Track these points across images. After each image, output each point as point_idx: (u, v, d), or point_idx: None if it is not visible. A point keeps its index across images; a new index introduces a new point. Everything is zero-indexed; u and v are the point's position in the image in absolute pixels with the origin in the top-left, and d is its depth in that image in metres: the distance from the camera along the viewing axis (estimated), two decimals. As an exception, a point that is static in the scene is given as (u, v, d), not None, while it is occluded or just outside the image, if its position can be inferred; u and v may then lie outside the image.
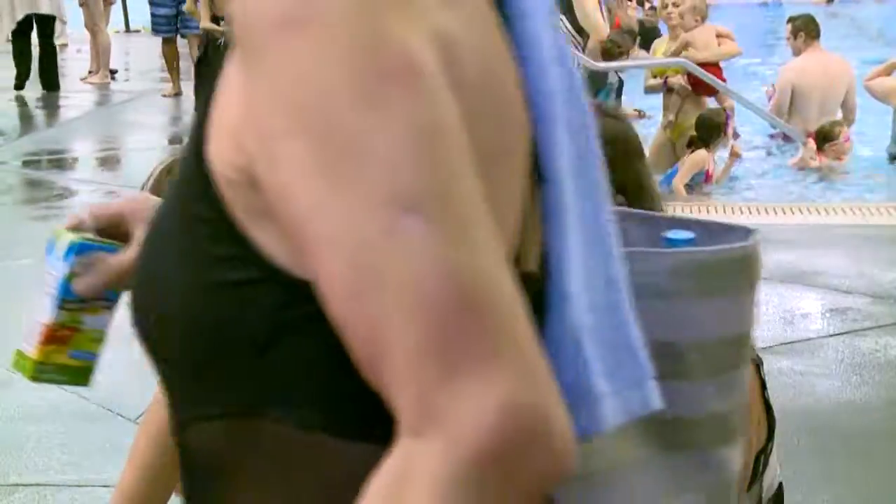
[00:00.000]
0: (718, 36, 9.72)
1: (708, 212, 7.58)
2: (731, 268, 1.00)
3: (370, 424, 0.77)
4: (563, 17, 8.67)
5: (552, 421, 0.74)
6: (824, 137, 8.95)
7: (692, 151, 8.55)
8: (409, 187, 0.72)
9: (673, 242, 1.03)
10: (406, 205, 0.72)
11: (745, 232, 1.04)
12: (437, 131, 0.74)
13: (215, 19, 7.34)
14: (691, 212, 7.39)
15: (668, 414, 0.93)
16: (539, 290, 0.84)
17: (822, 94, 9.50)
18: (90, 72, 14.81)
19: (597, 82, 9.26)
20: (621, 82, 9.62)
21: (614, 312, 0.87)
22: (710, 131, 8.50)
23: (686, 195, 8.26)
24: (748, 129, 9.80)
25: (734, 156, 8.93)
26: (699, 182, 8.56)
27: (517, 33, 0.85)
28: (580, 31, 8.73)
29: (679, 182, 8.34)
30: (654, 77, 9.64)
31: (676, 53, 9.45)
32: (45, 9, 13.72)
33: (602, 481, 0.93)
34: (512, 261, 0.80)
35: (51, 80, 13.90)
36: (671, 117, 9.26)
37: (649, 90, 9.77)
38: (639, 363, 0.87)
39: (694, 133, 8.76)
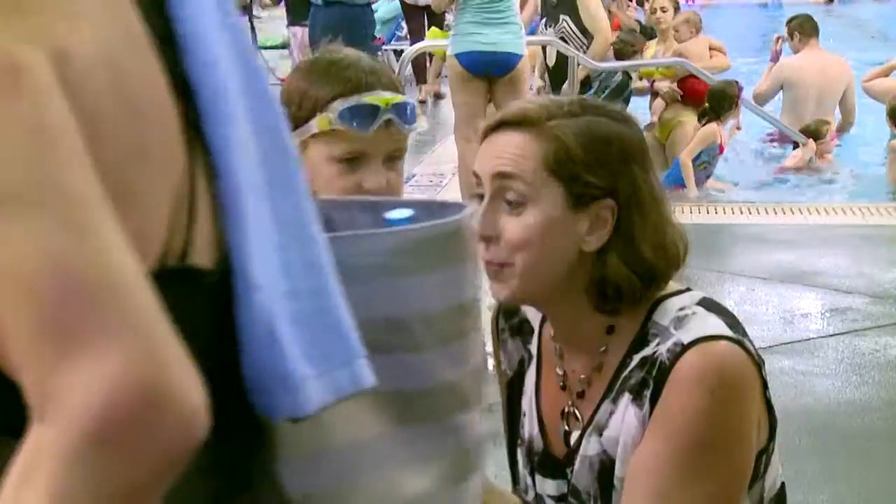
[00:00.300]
0: (711, 49, 9.77)
1: (708, 212, 7.59)
2: (446, 241, 1.04)
3: (14, 417, 0.80)
4: (567, 18, 8.68)
5: (174, 394, 0.77)
6: (810, 136, 8.97)
7: (704, 125, 8.53)
8: (11, 182, 0.76)
9: (392, 222, 1.08)
10: (10, 199, 0.75)
11: (460, 207, 1.09)
12: (41, 129, 0.77)
13: None
14: (692, 212, 7.39)
15: (401, 387, 0.98)
16: (218, 281, 0.87)
17: (819, 93, 9.51)
18: None
19: (603, 83, 9.25)
20: (627, 84, 9.58)
21: (318, 297, 0.90)
22: (721, 102, 8.46)
23: (696, 189, 8.23)
24: (745, 129, 9.81)
25: (734, 129, 8.95)
26: (713, 155, 8.54)
27: (180, 37, 0.87)
28: (584, 31, 8.75)
29: (687, 157, 8.30)
30: (641, 79, 9.65)
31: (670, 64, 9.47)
32: None
33: (334, 458, 0.97)
34: (162, 255, 0.84)
35: None
36: (654, 119, 9.26)
37: (635, 93, 9.76)
38: (347, 344, 0.90)
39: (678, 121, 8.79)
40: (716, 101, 8.47)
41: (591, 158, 1.71)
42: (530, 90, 7.88)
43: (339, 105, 1.89)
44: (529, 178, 1.71)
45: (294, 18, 14.65)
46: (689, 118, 9.07)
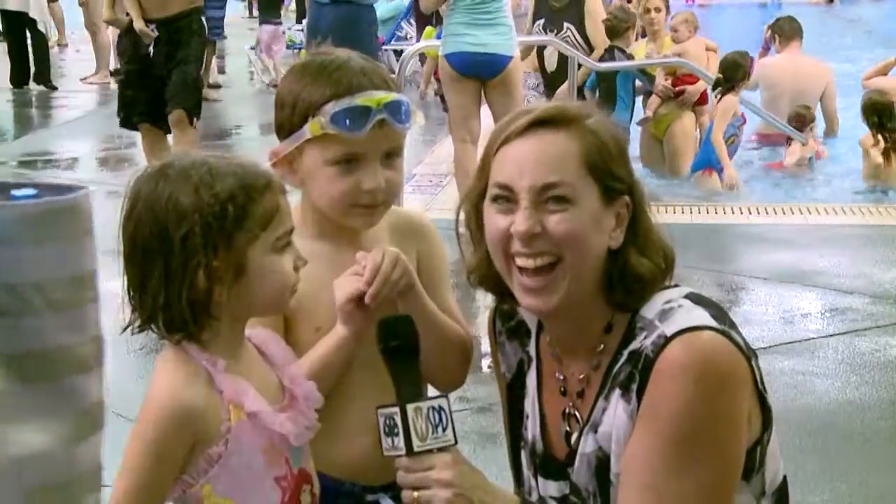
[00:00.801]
0: (707, 49, 9.79)
1: (708, 212, 7.58)
2: (60, 217, 1.13)
3: None
4: (572, 27, 8.69)
5: None
6: (799, 121, 9.00)
7: (719, 99, 8.55)
8: None
9: (15, 198, 1.16)
10: None
11: (79, 189, 1.18)
12: None
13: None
14: (692, 212, 7.39)
15: (18, 348, 1.08)
16: None
17: (792, 94, 9.52)
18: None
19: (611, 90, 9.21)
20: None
21: None
22: (735, 72, 8.50)
23: (732, 169, 8.25)
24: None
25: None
26: (739, 126, 8.56)
27: None
28: (588, 40, 8.76)
29: (717, 133, 8.34)
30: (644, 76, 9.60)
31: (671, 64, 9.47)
32: (10, 5, 13.78)
33: None
34: None
35: (43, 76, 14.05)
36: (648, 113, 9.23)
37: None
38: None
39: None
40: (730, 72, 8.50)
41: (618, 153, 1.76)
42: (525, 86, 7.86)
43: (331, 108, 1.88)
44: (571, 179, 1.72)
45: (264, 17, 14.71)
46: (686, 113, 9.08)
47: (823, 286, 5.92)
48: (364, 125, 1.88)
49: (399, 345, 1.78)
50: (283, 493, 1.71)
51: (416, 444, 1.68)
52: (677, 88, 9.22)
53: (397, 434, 1.70)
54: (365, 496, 2.00)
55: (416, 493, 1.69)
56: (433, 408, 1.71)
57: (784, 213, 7.58)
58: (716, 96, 8.66)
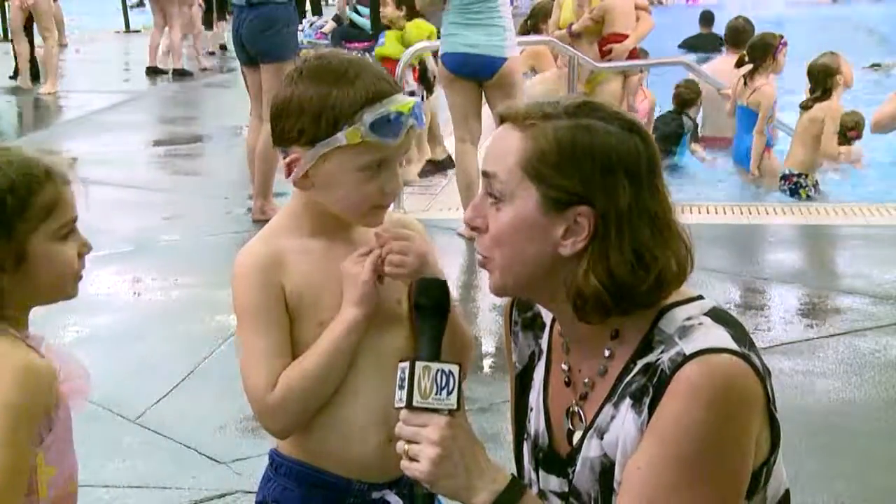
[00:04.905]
0: (637, 8, 9.62)
1: (708, 212, 7.59)
2: None
3: None
4: None
5: None
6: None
7: (754, 81, 8.55)
8: None
9: None
10: None
11: None
12: None
13: None
14: (692, 212, 7.39)
15: None
16: None
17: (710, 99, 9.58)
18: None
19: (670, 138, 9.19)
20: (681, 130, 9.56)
21: None
22: (765, 53, 8.53)
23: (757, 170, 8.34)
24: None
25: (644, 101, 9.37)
26: (774, 109, 8.59)
27: None
28: None
29: (761, 125, 8.44)
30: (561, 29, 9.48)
31: (596, 21, 9.41)
32: None
33: None
34: None
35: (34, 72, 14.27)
36: (579, 87, 9.13)
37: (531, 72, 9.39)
38: None
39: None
40: (760, 53, 8.52)
41: (565, 162, 1.69)
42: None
43: (368, 117, 1.89)
44: (505, 177, 1.72)
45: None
46: (614, 74, 9.13)
47: (823, 286, 5.93)
48: (399, 131, 1.91)
49: (428, 304, 1.82)
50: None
51: (416, 400, 1.72)
52: (604, 48, 9.26)
53: (403, 387, 1.74)
54: (370, 493, 2.02)
55: (406, 446, 1.73)
56: (442, 371, 1.74)
57: (784, 213, 7.58)
58: (742, 76, 8.65)
